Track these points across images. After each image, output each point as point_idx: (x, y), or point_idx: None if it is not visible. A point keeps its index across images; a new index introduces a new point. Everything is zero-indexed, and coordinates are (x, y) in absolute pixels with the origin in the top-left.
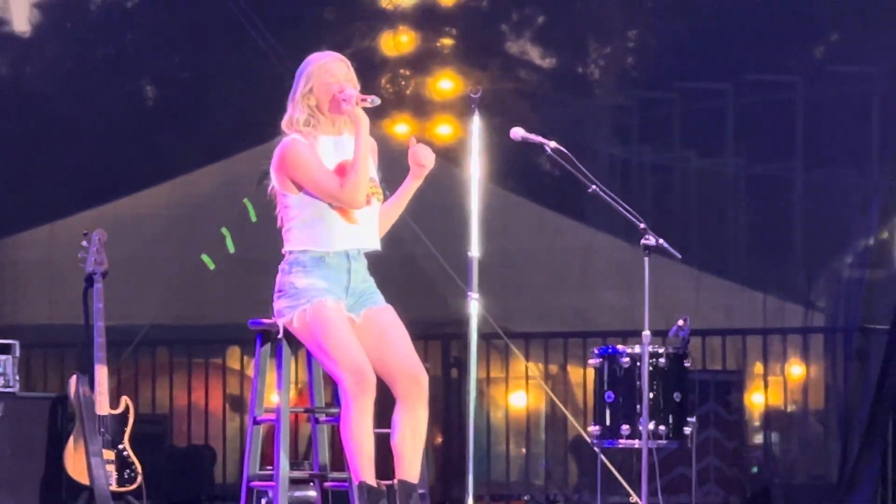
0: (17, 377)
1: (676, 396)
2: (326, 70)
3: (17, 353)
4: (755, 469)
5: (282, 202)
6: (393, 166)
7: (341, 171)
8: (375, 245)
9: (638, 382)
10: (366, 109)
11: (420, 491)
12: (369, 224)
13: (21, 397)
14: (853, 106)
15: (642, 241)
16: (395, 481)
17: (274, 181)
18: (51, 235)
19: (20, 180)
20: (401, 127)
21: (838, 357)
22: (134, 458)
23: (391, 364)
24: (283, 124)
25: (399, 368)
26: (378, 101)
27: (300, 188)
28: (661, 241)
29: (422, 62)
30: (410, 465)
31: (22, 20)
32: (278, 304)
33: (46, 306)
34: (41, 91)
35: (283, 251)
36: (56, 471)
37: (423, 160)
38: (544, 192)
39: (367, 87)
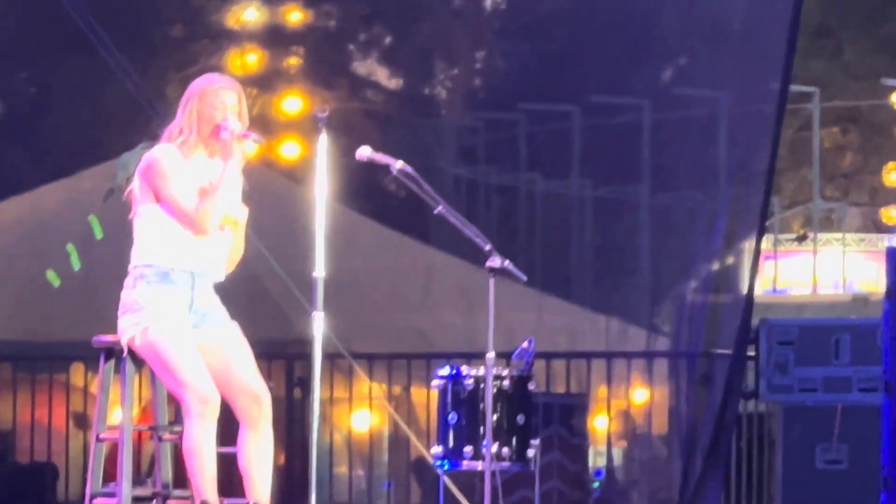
0: None
1: (520, 419)
2: (216, 95)
3: None
4: (596, 484)
5: (137, 210)
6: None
7: (204, 192)
8: (220, 276)
9: (481, 404)
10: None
11: None
12: (218, 249)
13: None
14: (699, 129)
15: (487, 263)
16: (249, 502)
17: (135, 186)
18: None
19: None
20: (247, 146)
21: (681, 381)
22: None
23: (234, 383)
24: (165, 132)
25: (241, 388)
26: (260, 140)
27: (158, 199)
28: (506, 262)
29: (268, 81)
30: (260, 487)
31: None
32: (122, 321)
33: None
34: None
35: (129, 267)
36: None
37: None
38: (390, 213)
39: None
